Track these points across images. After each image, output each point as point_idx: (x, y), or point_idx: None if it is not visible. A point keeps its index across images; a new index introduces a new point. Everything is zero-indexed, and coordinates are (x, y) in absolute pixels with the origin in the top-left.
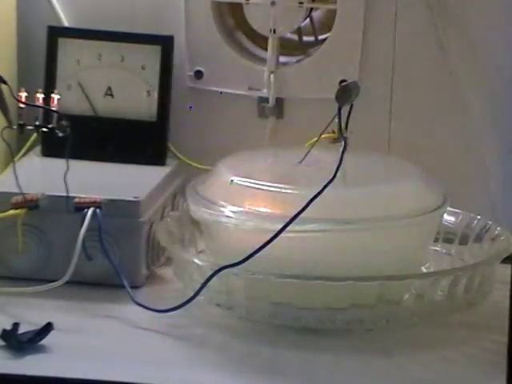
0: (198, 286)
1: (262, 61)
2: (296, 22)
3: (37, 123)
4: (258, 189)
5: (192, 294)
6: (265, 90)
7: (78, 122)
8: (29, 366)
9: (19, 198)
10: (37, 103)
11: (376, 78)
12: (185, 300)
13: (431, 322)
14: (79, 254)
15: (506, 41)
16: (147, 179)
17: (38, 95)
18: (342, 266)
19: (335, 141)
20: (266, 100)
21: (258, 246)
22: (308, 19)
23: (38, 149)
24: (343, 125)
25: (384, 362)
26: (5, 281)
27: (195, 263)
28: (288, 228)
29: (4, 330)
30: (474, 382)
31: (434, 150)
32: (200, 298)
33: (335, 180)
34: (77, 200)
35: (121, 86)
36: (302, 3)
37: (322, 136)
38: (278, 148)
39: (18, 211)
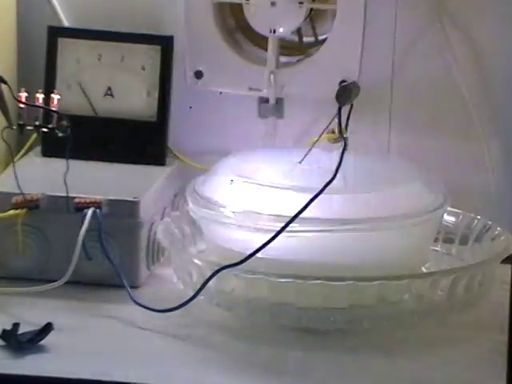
0: (197, 286)
1: (262, 61)
2: (296, 21)
3: (37, 123)
4: (258, 189)
5: (192, 294)
6: (265, 90)
7: (77, 122)
8: (29, 366)
9: (19, 198)
10: (37, 103)
11: (376, 78)
12: (185, 300)
13: (431, 321)
14: (79, 253)
15: (507, 41)
16: (147, 179)
17: (38, 95)
18: (342, 266)
19: (335, 141)
20: (266, 100)
21: (258, 246)
22: (308, 19)
23: (38, 149)
24: (343, 125)
25: (384, 362)
26: (5, 281)
27: (195, 263)
28: (288, 228)
29: (4, 330)
30: (474, 382)
31: (434, 150)
32: (200, 297)
33: (335, 181)
34: (77, 200)
35: (121, 86)
36: (301, 3)
37: (322, 136)
38: (278, 148)
39: (18, 211)
